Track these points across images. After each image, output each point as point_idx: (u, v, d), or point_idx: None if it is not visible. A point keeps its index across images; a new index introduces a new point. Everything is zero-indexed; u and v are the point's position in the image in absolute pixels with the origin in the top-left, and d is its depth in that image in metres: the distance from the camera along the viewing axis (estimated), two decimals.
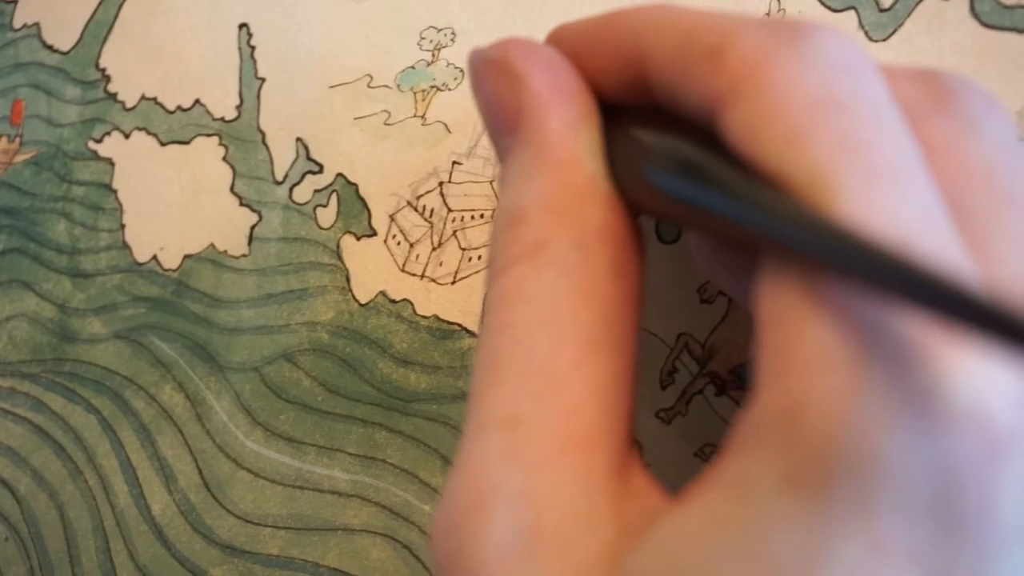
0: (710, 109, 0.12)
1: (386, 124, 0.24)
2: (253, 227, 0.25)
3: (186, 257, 0.26)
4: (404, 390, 0.23)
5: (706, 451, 0.21)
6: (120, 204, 0.27)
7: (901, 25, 0.21)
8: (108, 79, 0.28)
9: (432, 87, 0.24)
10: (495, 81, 0.15)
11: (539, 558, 0.12)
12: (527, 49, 0.15)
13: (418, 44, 0.24)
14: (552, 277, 0.13)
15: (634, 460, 0.14)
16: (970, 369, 0.10)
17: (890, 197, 0.11)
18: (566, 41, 0.15)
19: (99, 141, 0.27)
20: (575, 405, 0.13)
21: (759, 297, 0.12)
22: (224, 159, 0.26)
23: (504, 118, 0.15)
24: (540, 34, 0.16)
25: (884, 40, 0.21)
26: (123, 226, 0.27)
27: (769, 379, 0.11)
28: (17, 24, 0.29)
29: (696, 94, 0.13)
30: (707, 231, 0.15)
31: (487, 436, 0.13)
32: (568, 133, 0.14)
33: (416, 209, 0.24)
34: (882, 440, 0.10)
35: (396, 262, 0.24)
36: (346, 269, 0.24)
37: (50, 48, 0.29)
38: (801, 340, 0.11)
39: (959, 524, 0.10)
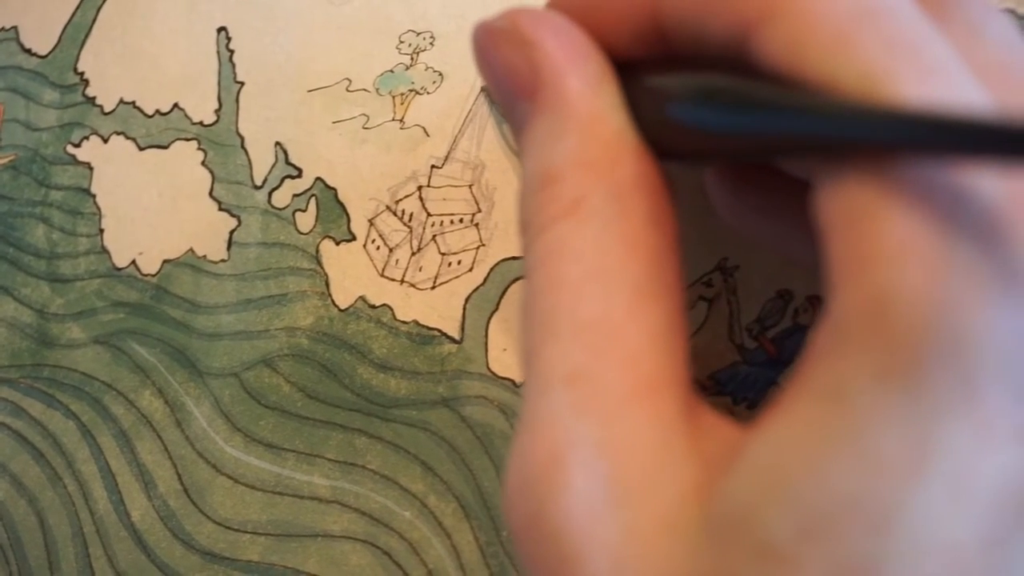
0: (739, 35, 0.13)
1: (364, 128, 0.24)
2: (232, 232, 0.25)
3: (165, 262, 0.26)
4: (384, 396, 0.23)
5: None
6: (99, 209, 0.27)
7: None
8: (86, 83, 0.27)
9: (411, 91, 0.24)
10: (506, 50, 0.15)
11: (627, 504, 0.12)
12: (535, 16, 0.15)
13: (397, 48, 0.24)
14: (595, 231, 0.13)
15: (699, 400, 0.13)
16: None
17: (944, 92, 0.11)
18: (569, 4, 0.15)
19: (77, 145, 0.27)
20: (636, 353, 0.13)
21: (820, 203, 0.12)
22: (203, 163, 0.26)
23: (519, 85, 0.15)
24: None
25: None
26: (102, 231, 0.27)
27: (847, 278, 0.11)
28: None
29: (722, 23, 0.13)
30: (742, 157, 0.15)
31: (552, 392, 0.13)
32: (589, 91, 0.14)
33: (395, 213, 0.24)
34: (976, 318, 0.10)
35: (376, 267, 0.24)
36: (325, 274, 0.24)
37: (28, 52, 0.28)
38: (879, 232, 0.11)
39: None
